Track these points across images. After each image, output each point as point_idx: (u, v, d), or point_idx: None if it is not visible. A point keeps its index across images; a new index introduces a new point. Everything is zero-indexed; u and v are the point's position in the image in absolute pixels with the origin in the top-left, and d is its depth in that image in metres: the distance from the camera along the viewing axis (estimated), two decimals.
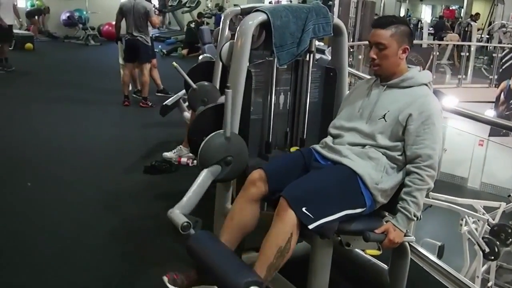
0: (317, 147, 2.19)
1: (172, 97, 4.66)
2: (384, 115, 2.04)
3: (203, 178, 2.18)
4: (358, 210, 1.97)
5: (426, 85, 2.08)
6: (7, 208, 3.36)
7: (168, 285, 1.91)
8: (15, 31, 12.44)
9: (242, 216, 2.06)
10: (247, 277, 1.73)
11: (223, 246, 1.97)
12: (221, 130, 2.24)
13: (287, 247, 1.85)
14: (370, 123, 2.08)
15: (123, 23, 6.58)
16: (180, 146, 4.41)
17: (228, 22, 3.32)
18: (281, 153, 2.52)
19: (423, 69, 2.31)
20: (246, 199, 2.07)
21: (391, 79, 2.10)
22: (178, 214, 2.04)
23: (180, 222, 1.98)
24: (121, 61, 6.80)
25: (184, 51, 12.44)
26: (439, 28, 15.39)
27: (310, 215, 1.84)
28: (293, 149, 2.49)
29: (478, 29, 13.93)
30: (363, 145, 2.06)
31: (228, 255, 1.91)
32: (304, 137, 2.57)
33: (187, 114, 4.55)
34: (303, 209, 1.84)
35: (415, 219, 1.97)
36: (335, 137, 2.18)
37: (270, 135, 2.47)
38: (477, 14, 16.28)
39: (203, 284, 1.97)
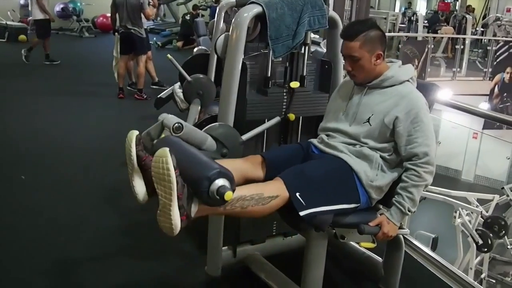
0: (315, 141, 2.19)
1: (167, 90, 4.64)
2: (369, 119, 2.02)
3: (204, 135, 2.14)
4: (353, 205, 1.96)
5: (408, 81, 2.05)
6: (5, 203, 3.35)
7: (133, 138, 1.72)
8: (8, 22, 12.42)
9: (237, 165, 1.98)
10: (217, 168, 1.60)
11: (195, 149, 1.85)
12: (217, 123, 2.24)
13: (266, 201, 1.78)
14: (355, 126, 2.05)
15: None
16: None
17: (223, 14, 3.30)
18: (280, 89, 2.47)
19: (418, 62, 2.30)
20: (240, 168, 1.99)
21: (371, 80, 2.06)
22: (172, 117, 1.98)
23: (174, 121, 1.91)
24: (114, 53, 6.76)
25: (179, 44, 12.40)
26: (433, 22, 15.38)
27: (302, 202, 1.83)
28: (293, 84, 2.43)
29: (472, 24, 13.95)
30: (354, 145, 2.05)
31: (200, 153, 1.78)
32: (299, 129, 2.57)
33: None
34: (297, 194, 1.83)
35: (409, 213, 1.97)
36: (327, 136, 2.17)
37: (269, 71, 2.42)
38: (469, 7, 16.30)
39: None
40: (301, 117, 2.55)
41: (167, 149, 1.55)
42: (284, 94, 2.45)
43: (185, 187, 1.59)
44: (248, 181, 2.00)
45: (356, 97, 2.09)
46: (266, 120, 2.42)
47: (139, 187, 1.73)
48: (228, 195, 1.56)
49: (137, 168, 1.72)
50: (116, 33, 6.69)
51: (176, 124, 1.93)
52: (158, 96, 4.60)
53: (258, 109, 2.38)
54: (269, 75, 2.41)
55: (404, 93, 2.00)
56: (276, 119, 2.34)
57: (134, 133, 1.74)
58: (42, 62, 8.92)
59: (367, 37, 1.97)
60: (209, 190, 1.57)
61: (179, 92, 4.29)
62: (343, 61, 2.62)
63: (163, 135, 2.00)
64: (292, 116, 2.46)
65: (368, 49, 1.98)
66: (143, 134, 2.01)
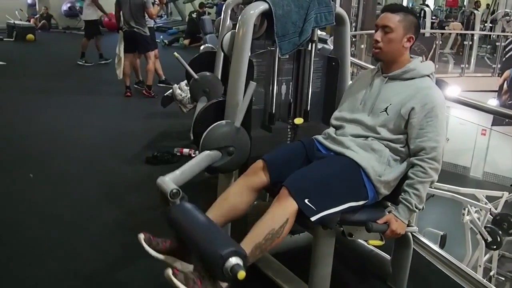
0: (320, 137, 2.18)
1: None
2: (386, 108, 2.02)
3: (201, 158, 2.16)
4: (361, 202, 1.96)
5: (429, 76, 2.06)
6: (11, 200, 3.37)
7: (143, 243, 1.83)
8: (16, 22, 12.50)
9: (236, 199, 2.02)
10: (230, 246, 1.63)
11: (208, 218, 1.87)
12: (224, 121, 2.24)
13: (280, 232, 1.80)
14: (372, 116, 2.06)
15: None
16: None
17: (229, 11, 3.30)
18: (285, 124, 2.49)
19: (426, 58, 2.30)
20: (245, 186, 2.04)
21: (393, 69, 2.08)
22: (169, 181, 1.99)
23: (170, 188, 1.92)
24: (117, 50, 6.74)
25: (186, 41, 12.41)
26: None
27: (313, 207, 1.82)
28: (297, 121, 2.46)
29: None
30: (366, 137, 2.05)
31: (212, 226, 1.81)
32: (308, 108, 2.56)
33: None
34: (306, 200, 1.82)
35: (417, 210, 1.96)
36: (337, 128, 2.17)
37: (273, 108, 2.44)
38: (477, 2, 16.16)
39: (179, 258, 1.89)
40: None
41: (170, 272, 1.62)
42: (289, 130, 2.48)
43: (204, 280, 1.65)
44: (258, 190, 2.05)
45: (375, 87, 2.11)
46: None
47: (180, 266, 1.85)
48: (241, 274, 1.57)
49: (167, 257, 1.86)
50: (120, 31, 6.70)
51: (174, 190, 1.93)
52: (165, 95, 4.60)
53: (263, 145, 2.36)
54: (273, 111, 2.43)
55: (423, 86, 2.01)
56: (252, 84, 2.21)
57: (141, 238, 1.85)
58: (41, 61, 8.93)
59: (407, 16, 2.04)
60: (223, 269, 1.60)
61: (178, 95, 4.30)
62: (350, 59, 2.63)
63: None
64: (299, 120, 2.47)
65: (404, 26, 2.02)
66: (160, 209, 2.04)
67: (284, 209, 1.82)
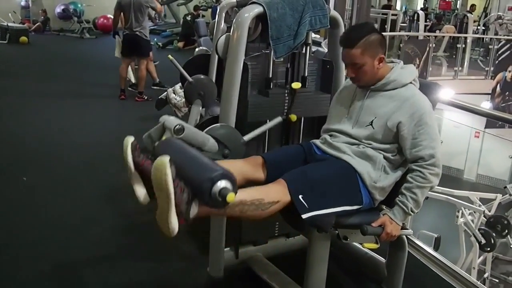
0: (317, 142, 2.17)
1: (168, 91, 4.64)
2: (372, 122, 2.00)
3: (202, 133, 2.13)
4: (355, 207, 1.95)
5: (411, 82, 2.03)
6: (8, 204, 3.35)
7: (128, 143, 1.72)
8: (10, 24, 12.46)
9: (236, 167, 1.94)
10: (220, 170, 1.58)
11: (194, 149, 1.82)
12: (218, 124, 2.23)
13: (266, 206, 1.78)
14: (358, 128, 2.04)
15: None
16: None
17: (224, 14, 3.29)
18: (282, 90, 2.45)
19: (420, 61, 2.29)
20: (241, 170, 1.97)
21: (374, 83, 2.05)
22: (174, 119, 1.97)
23: (174, 124, 1.90)
24: (117, 54, 6.72)
25: (180, 44, 12.40)
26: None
27: (305, 204, 1.82)
28: (294, 85, 2.42)
29: (474, 21, 13.92)
30: (358, 145, 2.04)
31: (201, 156, 1.75)
32: (301, 130, 2.56)
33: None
34: (300, 196, 1.82)
35: (412, 214, 1.96)
36: (331, 136, 2.16)
37: (270, 73, 2.42)
38: (473, 6, 16.27)
39: (147, 186, 1.74)
40: (302, 118, 2.54)
41: (167, 159, 1.53)
42: (286, 95, 2.45)
43: (184, 192, 1.58)
44: (249, 182, 1.99)
45: (358, 100, 2.08)
46: (267, 120, 2.41)
47: (140, 190, 1.73)
48: (230, 196, 1.55)
49: (136, 173, 1.72)
50: (117, 36, 6.67)
51: (178, 126, 1.92)
52: (159, 97, 4.60)
53: (260, 110, 2.37)
54: (270, 76, 2.41)
55: (406, 96, 1.98)
56: (278, 119, 2.33)
57: (129, 139, 1.73)
58: (34, 63, 8.88)
59: (367, 42, 1.95)
60: (211, 191, 1.55)
61: (173, 98, 4.30)
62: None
63: (164, 137, 1.99)
64: (293, 117, 2.45)
65: (370, 54, 1.96)
66: (144, 136, 2.00)
67: (279, 192, 1.82)
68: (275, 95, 2.41)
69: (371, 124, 2.00)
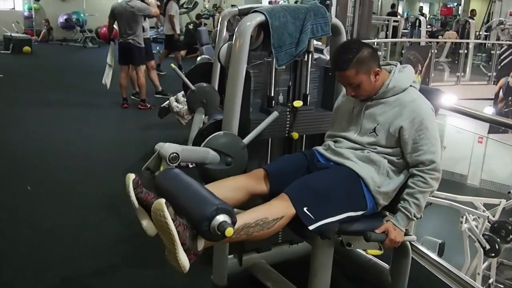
0: (320, 149, 2.17)
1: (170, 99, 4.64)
2: (374, 129, 2.01)
3: (201, 148, 2.14)
4: (359, 213, 1.96)
5: (411, 85, 2.03)
6: (9, 212, 3.36)
7: (130, 181, 1.74)
8: (13, 34, 12.53)
9: (230, 192, 1.95)
10: (215, 204, 1.59)
11: (193, 179, 1.81)
12: (221, 132, 2.23)
13: (271, 224, 1.78)
14: (361, 135, 2.06)
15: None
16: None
17: (226, 23, 3.31)
18: (284, 108, 2.46)
19: (422, 67, 2.28)
20: (245, 186, 2.00)
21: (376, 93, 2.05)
22: (169, 146, 1.96)
23: (169, 152, 1.90)
24: (108, 60, 6.70)
25: (183, 53, 12.43)
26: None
27: (311, 216, 1.83)
28: (296, 103, 2.43)
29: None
30: (362, 149, 2.05)
31: (198, 187, 1.76)
32: (303, 148, 2.56)
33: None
34: (305, 209, 1.82)
35: (415, 219, 1.96)
36: (335, 141, 2.16)
37: (272, 91, 2.43)
38: (473, 11, 16.28)
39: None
40: (304, 135, 2.56)
41: (163, 201, 1.55)
42: (288, 113, 2.46)
43: (187, 229, 1.60)
44: (253, 196, 2.01)
45: (358, 109, 2.09)
46: (269, 139, 2.43)
47: (146, 223, 1.77)
48: (229, 231, 1.56)
49: (140, 208, 1.76)
50: (112, 42, 6.70)
51: (172, 155, 1.92)
52: (162, 106, 4.61)
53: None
54: (272, 94, 2.43)
55: (407, 101, 1.99)
56: (274, 114, 2.30)
57: (130, 177, 1.76)
58: (38, 73, 8.92)
59: (359, 60, 1.95)
60: (210, 228, 1.57)
61: (175, 107, 4.31)
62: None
63: (162, 168, 1.99)
64: (295, 135, 2.47)
65: (364, 72, 1.96)
66: (143, 169, 2.03)
67: (282, 207, 1.82)
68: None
69: (374, 131, 2.01)
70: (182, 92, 4.38)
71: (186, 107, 4.27)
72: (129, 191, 1.74)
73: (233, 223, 1.60)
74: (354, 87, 1.99)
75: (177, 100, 4.40)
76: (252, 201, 2.03)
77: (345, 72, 1.96)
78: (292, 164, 2.12)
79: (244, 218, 1.73)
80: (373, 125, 2.02)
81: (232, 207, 1.64)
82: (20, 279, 2.54)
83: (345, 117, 2.15)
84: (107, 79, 6.62)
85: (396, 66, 2.08)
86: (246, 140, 2.25)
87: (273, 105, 2.43)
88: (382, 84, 2.02)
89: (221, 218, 1.57)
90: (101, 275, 2.62)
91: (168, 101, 4.52)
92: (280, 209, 1.82)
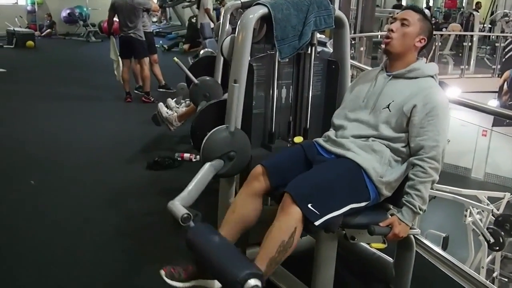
0: (320, 140, 2.18)
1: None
2: (389, 105, 2.03)
3: (205, 172, 2.17)
4: (363, 204, 1.96)
5: (432, 77, 2.08)
6: (13, 206, 3.37)
7: (166, 279, 1.87)
8: (16, 29, 12.53)
9: (243, 210, 2.05)
10: (246, 269, 1.68)
11: (223, 238, 1.93)
12: (223, 126, 2.23)
13: (290, 242, 1.83)
14: (374, 114, 2.07)
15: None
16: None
17: (228, 16, 3.31)
18: (284, 143, 2.50)
19: (426, 59, 2.31)
20: (249, 193, 2.06)
21: (397, 68, 2.10)
22: (178, 205, 2.01)
23: (180, 214, 1.95)
24: (113, 56, 6.71)
25: (186, 46, 12.40)
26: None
27: (316, 212, 1.82)
28: (297, 139, 2.47)
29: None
30: (367, 137, 2.05)
31: (227, 248, 1.87)
32: (307, 127, 2.56)
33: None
34: (309, 205, 1.82)
35: (421, 212, 1.95)
36: (338, 128, 2.16)
37: (273, 126, 2.45)
38: (479, 3, 16.16)
39: (202, 278, 1.93)
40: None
41: None
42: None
43: None
44: (260, 196, 2.06)
45: (379, 85, 2.12)
46: None
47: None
48: None
49: (193, 282, 1.91)
50: (112, 37, 6.70)
51: (184, 215, 1.94)
52: (154, 114, 4.52)
53: None
54: (273, 131, 2.44)
55: (426, 86, 2.02)
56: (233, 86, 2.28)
57: (162, 275, 1.88)
58: (41, 67, 8.92)
59: (425, 20, 2.10)
60: None
61: (164, 112, 4.29)
62: (350, 61, 2.63)
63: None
64: (299, 139, 2.47)
65: (421, 26, 2.07)
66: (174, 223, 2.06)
67: (290, 218, 1.83)
68: (278, 148, 2.42)
69: (388, 107, 2.03)
70: (174, 99, 4.40)
71: (175, 114, 4.28)
72: (172, 284, 1.86)
73: (263, 284, 1.68)
74: (402, 24, 2.07)
75: (167, 106, 4.38)
76: (264, 199, 2.12)
77: (412, 12, 2.09)
78: (290, 157, 2.14)
79: (267, 255, 1.82)
80: (389, 101, 2.04)
81: (261, 271, 1.74)
82: (24, 272, 2.54)
83: (360, 95, 2.16)
84: (117, 72, 6.65)
85: (422, 59, 2.15)
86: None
87: (274, 141, 2.44)
88: (408, 63, 2.08)
89: (252, 282, 1.64)
90: (102, 269, 2.62)
91: (158, 107, 4.46)
92: (288, 222, 1.83)
